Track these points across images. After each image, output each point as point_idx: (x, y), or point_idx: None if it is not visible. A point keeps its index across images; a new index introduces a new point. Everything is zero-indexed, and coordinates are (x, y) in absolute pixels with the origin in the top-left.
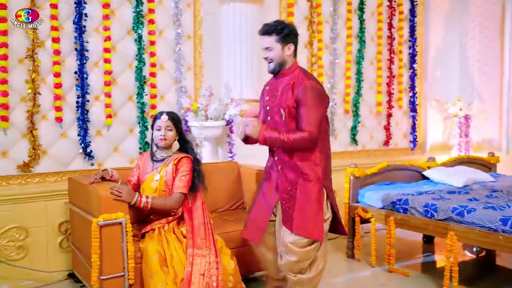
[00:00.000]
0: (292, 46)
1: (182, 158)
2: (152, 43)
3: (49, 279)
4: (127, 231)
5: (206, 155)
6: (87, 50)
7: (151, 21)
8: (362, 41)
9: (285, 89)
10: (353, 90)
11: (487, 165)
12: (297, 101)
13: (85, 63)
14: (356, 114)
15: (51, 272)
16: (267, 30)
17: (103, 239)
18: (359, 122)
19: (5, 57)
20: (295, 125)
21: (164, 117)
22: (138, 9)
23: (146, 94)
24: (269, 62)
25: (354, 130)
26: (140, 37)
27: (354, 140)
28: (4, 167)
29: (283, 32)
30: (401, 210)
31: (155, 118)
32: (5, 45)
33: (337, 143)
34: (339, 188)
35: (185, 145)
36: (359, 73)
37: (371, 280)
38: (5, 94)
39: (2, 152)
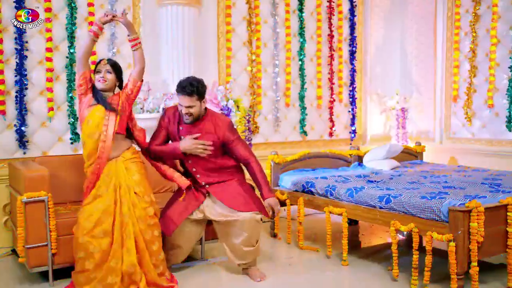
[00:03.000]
0: (206, 100)
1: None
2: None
3: None
4: (49, 208)
5: None
6: (26, 50)
7: (91, 23)
8: (303, 39)
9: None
10: (294, 85)
11: (414, 154)
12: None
13: (24, 62)
14: (303, 108)
15: None
16: (189, 92)
17: (28, 214)
18: (306, 115)
19: None
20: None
21: (104, 61)
22: (74, 12)
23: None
24: (189, 115)
25: (302, 123)
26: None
27: (303, 132)
28: None
29: (202, 91)
30: (309, 192)
31: (96, 64)
32: None
33: (279, 135)
34: None
35: None
36: (301, 69)
37: (283, 255)
38: None
39: None
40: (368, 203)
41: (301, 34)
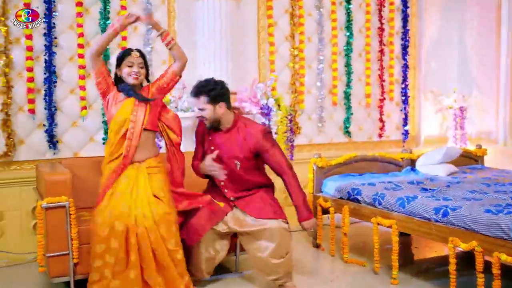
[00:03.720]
0: (223, 105)
1: None
2: (124, 38)
3: (21, 259)
4: (70, 214)
5: None
6: (55, 46)
7: None
8: (350, 33)
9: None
10: (340, 82)
11: (474, 158)
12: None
13: (53, 58)
14: (348, 107)
15: (23, 254)
16: (196, 92)
17: (48, 221)
18: (351, 114)
19: None
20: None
21: (136, 52)
22: (107, 6)
23: None
24: (205, 120)
25: (347, 123)
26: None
27: (347, 132)
28: None
29: (214, 93)
30: (355, 200)
31: (124, 54)
32: None
33: (324, 135)
34: None
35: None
36: (348, 65)
37: (326, 269)
38: None
39: None
40: (422, 215)
41: (349, 27)
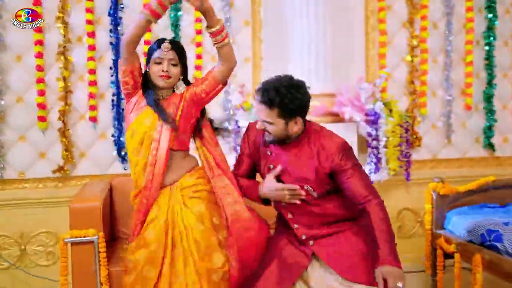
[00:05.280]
0: (300, 121)
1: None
2: (199, 32)
3: None
4: (100, 251)
5: None
6: None
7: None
8: (492, 15)
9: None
10: (477, 80)
11: None
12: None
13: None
14: (489, 112)
15: None
16: (269, 101)
17: (74, 259)
18: (495, 122)
19: (40, 55)
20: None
21: (167, 45)
22: None
23: None
24: (268, 133)
25: (488, 132)
26: (176, 25)
27: (489, 145)
28: (41, 169)
29: (291, 106)
30: (493, 248)
31: (152, 48)
32: (40, 42)
33: (453, 149)
34: None
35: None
36: (489, 57)
37: None
38: (42, 93)
39: (40, 153)
40: None
41: (491, 7)
